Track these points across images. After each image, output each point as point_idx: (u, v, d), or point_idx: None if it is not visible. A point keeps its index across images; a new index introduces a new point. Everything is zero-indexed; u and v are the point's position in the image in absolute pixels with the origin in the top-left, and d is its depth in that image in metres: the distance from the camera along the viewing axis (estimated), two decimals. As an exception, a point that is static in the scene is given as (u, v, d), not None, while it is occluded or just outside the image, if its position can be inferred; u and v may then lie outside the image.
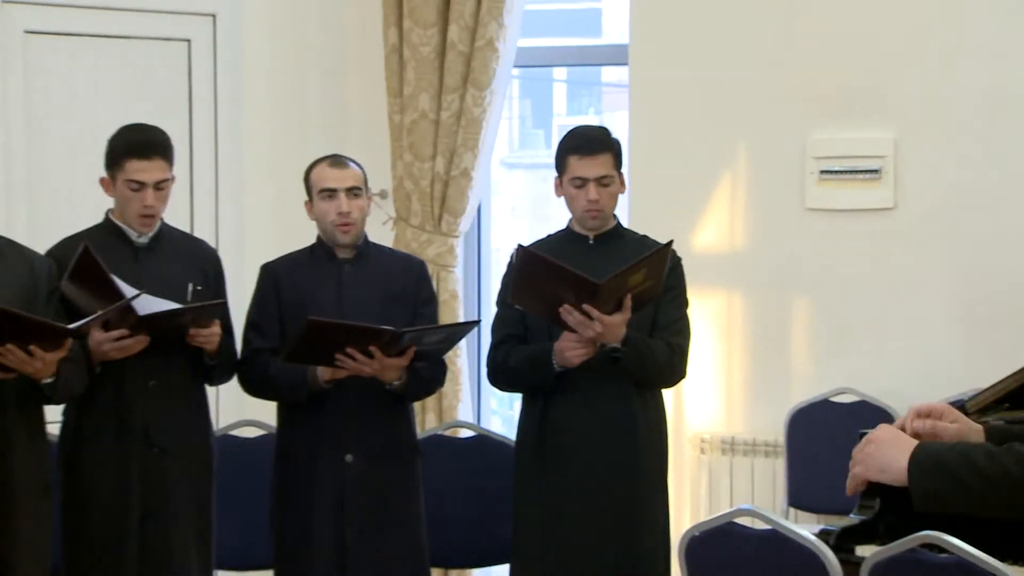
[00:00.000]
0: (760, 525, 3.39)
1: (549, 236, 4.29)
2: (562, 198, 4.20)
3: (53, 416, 4.09)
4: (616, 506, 4.08)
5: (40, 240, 4.31)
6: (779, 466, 5.39)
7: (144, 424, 4.04)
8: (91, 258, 3.81)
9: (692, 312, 4.25)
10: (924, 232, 5.33)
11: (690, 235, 5.48)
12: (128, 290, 3.84)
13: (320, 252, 4.26)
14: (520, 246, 3.93)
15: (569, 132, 4.23)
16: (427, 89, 5.65)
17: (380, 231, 5.55)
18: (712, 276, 5.47)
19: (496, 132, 5.76)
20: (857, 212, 5.38)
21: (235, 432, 4.83)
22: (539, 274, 3.90)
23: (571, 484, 4.08)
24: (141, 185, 4.03)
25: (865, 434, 2.57)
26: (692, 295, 4.27)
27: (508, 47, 5.62)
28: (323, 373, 4.06)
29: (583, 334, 3.93)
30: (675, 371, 4.17)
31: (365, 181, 4.27)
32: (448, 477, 4.70)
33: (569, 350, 3.99)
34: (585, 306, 3.86)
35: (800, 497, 5.30)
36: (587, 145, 4.12)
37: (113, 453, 4.02)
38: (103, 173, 4.11)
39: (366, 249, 4.28)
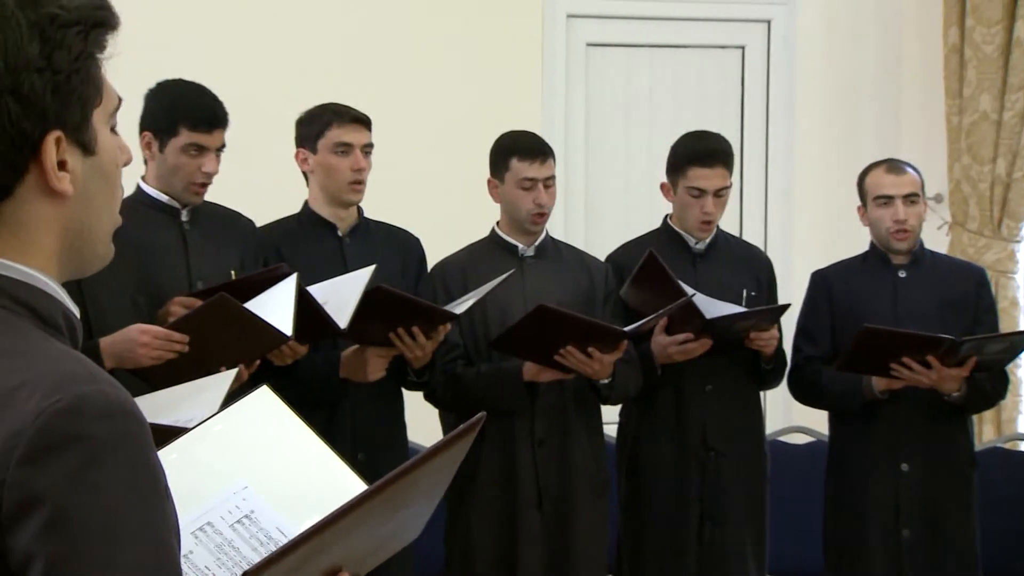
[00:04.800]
0: None
1: None
2: None
3: (609, 416, 4.22)
4: None
5: (597, 245, 4.47)
6: None
7: (702, 427, 4.08)
8: (657, 263, 3.87)
9: None
10: None
11: None
12: (690, 293, 3.88)
13: (874, 259, 4.18)
14: None
15: None
16: (989, 89, 5.43)
17: (935, 236, 5.38)
18: None
19: (1063, 132, 5.45)
20: None
21: (784, 438, 4.82)
22: None
23: None
24: (702, 192, 4.08)
25: None
26: None
27: (1080, 41, 5.31)
28: (878, 383, 3.98)
29: None
30: None
31: (922, 187, 4.15)
32: (1007, 491, 4.51)
33: None
34: None
35: None
36: None
37: (672, 454, 4.09)
38: (659, 179, 4.19)
39: (922, 255, 4.16)
